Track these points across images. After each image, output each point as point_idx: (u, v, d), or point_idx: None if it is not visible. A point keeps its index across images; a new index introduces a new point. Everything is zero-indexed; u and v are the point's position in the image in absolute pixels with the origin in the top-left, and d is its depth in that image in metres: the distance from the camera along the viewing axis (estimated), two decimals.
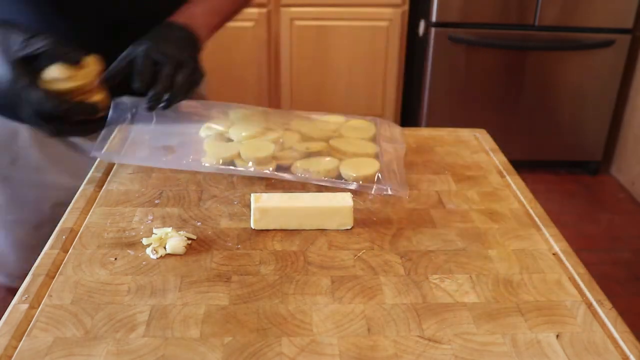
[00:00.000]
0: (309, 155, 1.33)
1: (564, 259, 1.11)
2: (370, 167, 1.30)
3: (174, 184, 1.30)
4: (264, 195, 1.16)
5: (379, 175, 1.28)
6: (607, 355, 0.90)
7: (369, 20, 3.91)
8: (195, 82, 1.32)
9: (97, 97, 1.21)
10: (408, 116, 4.15)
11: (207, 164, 1.32)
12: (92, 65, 1.20)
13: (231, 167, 1.30)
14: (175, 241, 1.09)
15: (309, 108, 4.02)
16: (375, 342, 0.90)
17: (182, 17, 1.40)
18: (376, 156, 1.35)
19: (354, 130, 1.44)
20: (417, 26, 3.91)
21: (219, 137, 1.38)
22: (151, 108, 1.26)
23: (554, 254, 1.12)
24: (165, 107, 1.26)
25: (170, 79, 1.26)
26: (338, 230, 1.16)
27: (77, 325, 0.92)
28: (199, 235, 1.14)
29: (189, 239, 1.12)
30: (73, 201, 1.24)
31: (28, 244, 1.47)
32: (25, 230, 1.51)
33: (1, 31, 1.17)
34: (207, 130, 1.40)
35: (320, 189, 1.29)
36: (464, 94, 3.84)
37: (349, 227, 1.16)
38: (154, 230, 1.13)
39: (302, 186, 1.31)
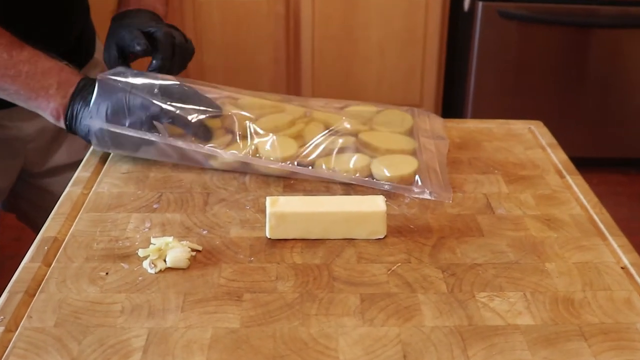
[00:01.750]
0: (334, 151, 1.33)
1: (634, 273, 1.10)
2: (406, 165, 1.30)
3: (176, 186, 1.31)
4: (282, 199, 1.16)
5: (417, 175, 1.28)
6: None
7: None
8: (188, 48, 1.46)
9: None
10: (451, 106, 4.14)
11: (214, 163, 1.33)
12: None
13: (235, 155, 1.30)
14: (177, 253, 1.09)
15: (335, 96, 4.03)
16: None
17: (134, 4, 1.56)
18: (414, 153, 1.35)
19: (388, 123, 1.44)
20: None
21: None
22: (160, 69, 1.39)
23: (622, 268, 1.11)
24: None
25: (170, 43, 1.40)
26: (369, 239, 1.16)
27: (62, 352, 0.92)
28: (205, 245, 1.14)
29: (193, 250, 1.12)
30: (57, 206, 1.24)
31: None
32: None
33: None
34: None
35: (348, 191, 1.29)
36: (516, 80, 3.82)
37: (381, 237, 1.16)
38: (152, 240, 1.14)
39: (327, 188, 1.31)
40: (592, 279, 1.08)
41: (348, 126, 1.39)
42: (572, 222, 1.23)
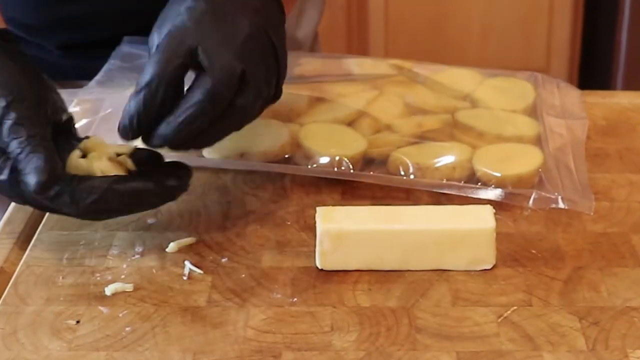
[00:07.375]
0: (419, 139, 1.33)
1: None
2: (526, 160, 1.30)
3: None
4: (339, 211, 1.16)
5: (542, 174, 1.27)
6: None
7: None
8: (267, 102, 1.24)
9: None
10: (592, 72, 4.14)
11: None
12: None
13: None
14: None
15: (418, 57, 4.03)
16: None
17: None
18: (537, 141, 1.35)
19: (498, 96, 1.44)
20: None
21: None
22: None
23: None
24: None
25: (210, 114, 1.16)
26: (469, 271, 1.15)
27: None
28: (225, 279, 1.14)
29: None
30: (2, 221, 1.24)
31: None
32: None
33: None
34: None
35: (438, 197, 1.28)
36: None
37: (488, 267, 1.15)
38: None
39: (406, 194, 1.30)
40: None
41: (439, 101, 1.39)
42: None
